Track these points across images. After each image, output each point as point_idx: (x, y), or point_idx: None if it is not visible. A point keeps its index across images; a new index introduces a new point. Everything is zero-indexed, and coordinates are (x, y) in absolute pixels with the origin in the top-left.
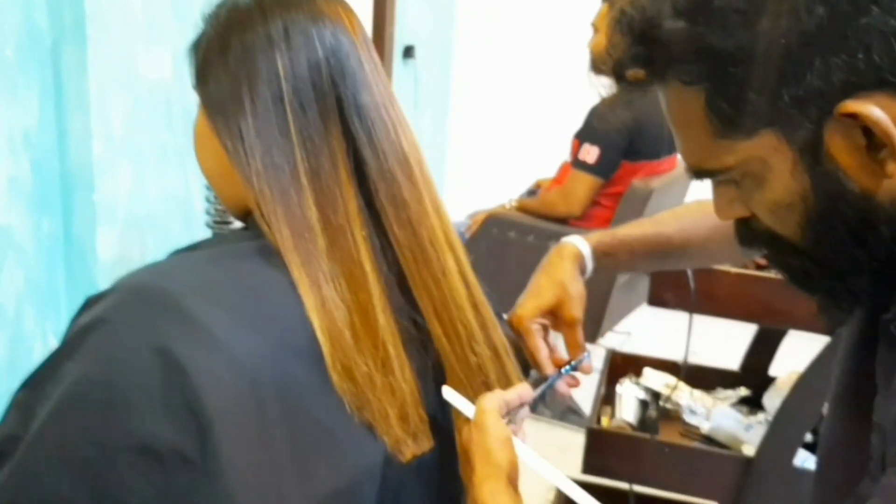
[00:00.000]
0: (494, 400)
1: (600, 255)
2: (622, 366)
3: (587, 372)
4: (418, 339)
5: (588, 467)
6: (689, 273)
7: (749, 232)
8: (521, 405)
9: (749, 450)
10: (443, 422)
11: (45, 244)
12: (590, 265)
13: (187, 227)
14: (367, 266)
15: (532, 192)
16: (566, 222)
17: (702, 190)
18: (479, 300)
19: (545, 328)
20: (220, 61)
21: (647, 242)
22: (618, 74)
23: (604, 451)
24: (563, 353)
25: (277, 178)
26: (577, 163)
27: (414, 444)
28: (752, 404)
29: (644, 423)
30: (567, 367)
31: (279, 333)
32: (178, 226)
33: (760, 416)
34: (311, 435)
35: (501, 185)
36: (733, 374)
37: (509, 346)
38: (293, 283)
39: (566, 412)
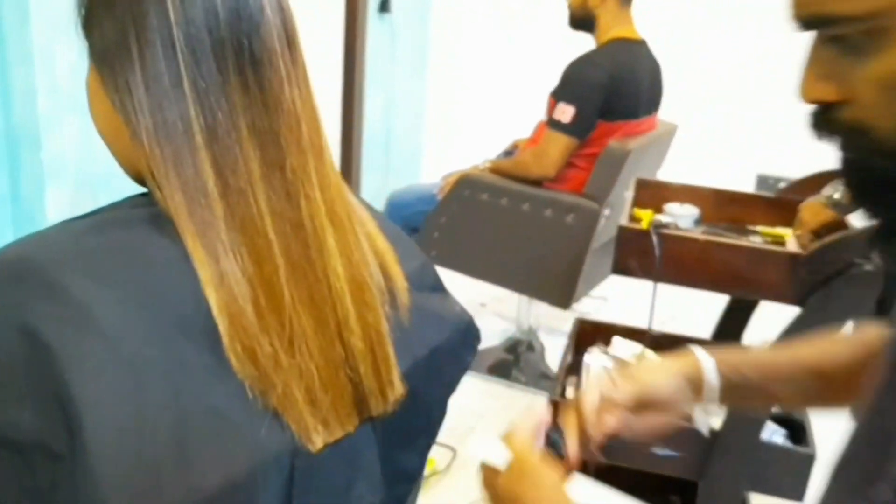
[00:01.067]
0: (525, 438)
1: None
2: (591, 334)
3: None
4: None
5: None
6: (654, 239)
7: (828, 121)
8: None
9: (715, 422)
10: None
11: None
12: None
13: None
14: (272, 235)
15: (509, 153)
16: (540, 184)
17: (682, 150)
18: (362, 281)
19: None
20: (106, 5)
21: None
22: None
23: None
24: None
25: (169, 137)
26: (551, 122)
27: (325, 431)
28: None
29: None
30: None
31: (168, 311)
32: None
33: None
34: (201, 423)
35: (480, 144)
36: (705, 344)
37: (388, 329)
38: (188, 255)
39: (539, 378)
